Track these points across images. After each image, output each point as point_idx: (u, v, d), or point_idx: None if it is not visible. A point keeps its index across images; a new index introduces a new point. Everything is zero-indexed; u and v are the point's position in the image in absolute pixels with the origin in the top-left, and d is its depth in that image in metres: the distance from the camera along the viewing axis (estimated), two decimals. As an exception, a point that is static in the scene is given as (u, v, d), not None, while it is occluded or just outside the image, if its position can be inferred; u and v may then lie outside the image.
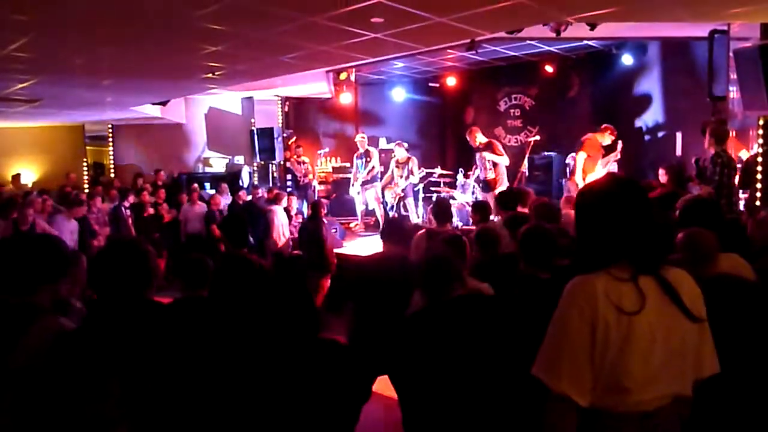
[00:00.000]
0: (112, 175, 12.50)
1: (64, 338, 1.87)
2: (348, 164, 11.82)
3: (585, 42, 8.94)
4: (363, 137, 10.36)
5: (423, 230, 4.89)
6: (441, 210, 4.98)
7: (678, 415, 1.68)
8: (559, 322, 1.64)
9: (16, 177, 11.52)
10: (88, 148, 13.13)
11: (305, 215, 10.03)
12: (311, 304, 2.10)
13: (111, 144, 12.76)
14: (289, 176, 12.24)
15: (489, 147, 8.63)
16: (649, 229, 1.67)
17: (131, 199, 9.74)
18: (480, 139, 8.73)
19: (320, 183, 12.03)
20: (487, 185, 8.63)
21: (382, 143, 11.72)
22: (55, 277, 2.07)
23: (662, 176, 7.20)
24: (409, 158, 9.71)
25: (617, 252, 1.65)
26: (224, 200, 10.50)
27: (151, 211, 9.72)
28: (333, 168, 12.20)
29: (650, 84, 9.31)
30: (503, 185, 8.34)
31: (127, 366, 1.79)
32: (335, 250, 7.80)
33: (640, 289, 1.60)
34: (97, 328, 1.86)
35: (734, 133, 6.96)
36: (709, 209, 2.95)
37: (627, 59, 9.40)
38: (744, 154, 7.05)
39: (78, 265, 2.56)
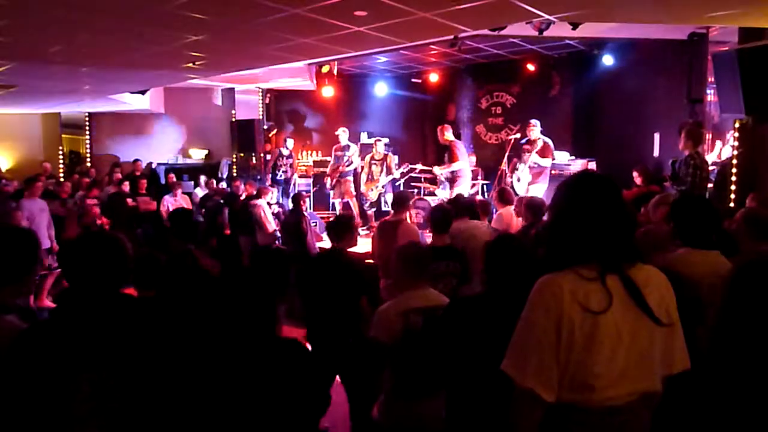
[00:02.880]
0: (89, 164, 12.30)
1: (31, 332, 1.81)
2: (329, 158, 11.79)
3: (567, 42, 9.01)
4: (344, 131, 10.34)
5: (381, 220, 5.05)
6: (398, 200, 5.34)
7: (648, 410, 1.70)
8: (526, 320, 1.67)
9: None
10: (63, 136, 12.88)
11: (286, 208, 9.97)
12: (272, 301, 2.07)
13: (88, 132, 12.55)
14: (267, 169, 12.15)
15: (448, 149, 8.70)
16: (617, 228, 1.68)
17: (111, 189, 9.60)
18: (448, 136, 8.77)
19: (301, 177, 11.97)
20: (450, 182, 8.80)
21: (364, 138, 11.69)
22: (21, 275, 1.99)
23: (636, 177, 7.30)
24: (386, 155, 9.71)
25: (586, 251, 1.67)
26: (202, 192, 10.41)
27: (131, 202, 9.56)
28: (314, 162, 12.14)
29: (630, 85, 9.42)
30: (461, 186, 8.52)
31: (97, 362, 1.74)
32: (318, 244, 7.77)
33: (607, 289, 1.62)
34: (67, 322, 1.80)
35: (710, 135, 7.08)
36: (701, 206, 2.93)
37: (608, 60, 9.51)
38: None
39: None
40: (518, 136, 9.17)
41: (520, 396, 1.65)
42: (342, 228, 4.10)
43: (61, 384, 1.71)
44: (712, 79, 6.62)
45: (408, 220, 5.61)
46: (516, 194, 7.43)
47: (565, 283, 1.63)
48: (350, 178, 10.07)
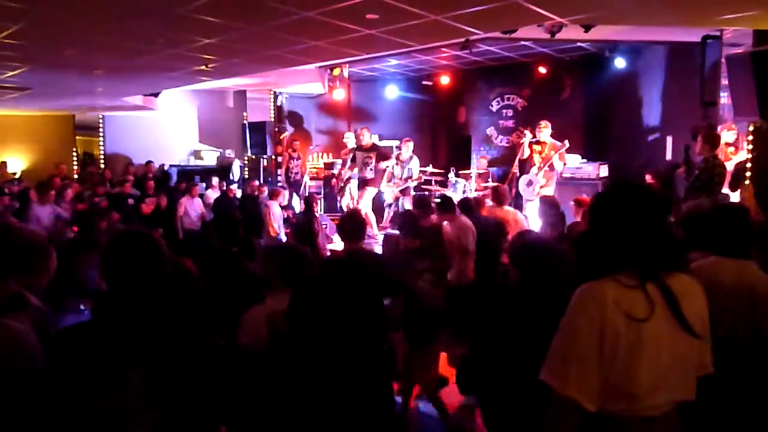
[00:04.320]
0: (102, 166, 12.40)
1: (77, 331, 1.81)
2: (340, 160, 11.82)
3: (579, 44, 8.98)
4: (351, 135, 10.34)
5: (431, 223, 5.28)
6: (423, 204, 5.56)
7: (679, 419, 1.70)
8: (568, 328, 1.66)
9: (3, 165, 11.43)
10: (77, 137, 13.01)
11: (295, 210, 10.00)
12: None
13: (101, 134, 12.66)
14: (279, 171, 12.20)
15: (375, 149, 9.05)
16: (657, 236, 1.69)
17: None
18: (367, 140, 9.14)
19: (311, 179, 12.01)
20: (365, 184, 9.07)
21: (375, 140, 11.68)
22: (6, 272, 1.96)
23: (649, 180, 7.25)
24: (411, 157, 9.70)
25: (625, 258, 1.67)
26: (214, 194, 10.46)
27: (131, 202, 9.59)
28: (324, 164, 12.17)
29: (642, 88, 9.37)
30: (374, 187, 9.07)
31: (148, 356, 1.75)
32: (330, 246, 7.82)
33: (649, 296, 1.62)
34: (112, 318, 1.80)
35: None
36: (735, 215, 2.91)
37: (620, 62, 9.46)
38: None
39: (47, 257, 2.43)
40: (530, 138, 9.16)
41: (560, 405, 1.63)
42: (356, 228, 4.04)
43: (112, 380, 1.71)
44: (726, 82, 6.56)
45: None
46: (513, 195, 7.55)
47: (608, 291, 1.62)
48: (354, 182, 10.08)
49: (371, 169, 9.01)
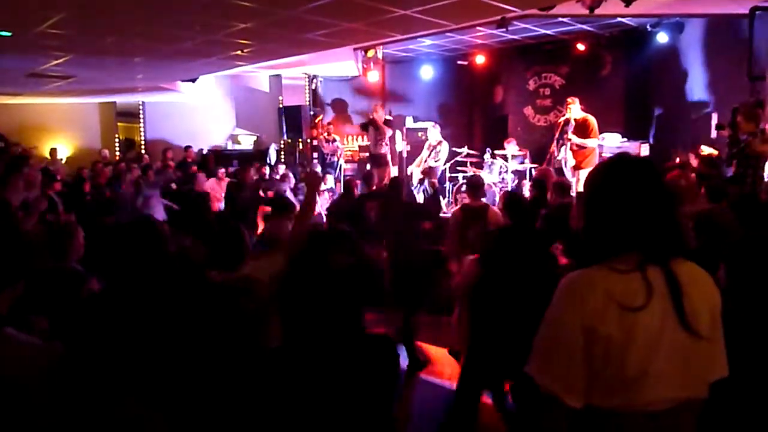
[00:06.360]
0: (143, 151, 12.68)
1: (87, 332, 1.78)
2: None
3: (619, 19, 8.72)
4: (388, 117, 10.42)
5: (458, 206, 5.24)
6: (475, 185, 5.62)
7: (692, 413, 1.57)
8: (552, 321, 1.55)
9: (53, 151, 11.83)
10: (119, 124, 13.32)
11: (334, 192, 10.06)
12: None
13: (142, 120, 12.94)
14: (315, 154, 12.27)
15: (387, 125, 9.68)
16: (660, 213, 1.54)
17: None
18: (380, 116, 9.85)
19: (347, 161, 12.04)
20: (377, 162, 9.55)
21: (409, 122, 11.65)
22: (17, 278, 1.80)
23: (693, 159, 7.03)
24: (439, 142, 9.65)
25: (625, 240, 1.53)
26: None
27: (174, 187, 9.79)
28: (359, 147, 12.18)
29: (686, 63, 9.06)
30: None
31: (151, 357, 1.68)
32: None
33: (648, 281, 1.48)
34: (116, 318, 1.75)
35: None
36: None
37: (662, 37, 9.15)
38: None
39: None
40: (568, 117, 8.98)
41: (546, 401, 1.54)
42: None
43: (113, 389, 1.65)
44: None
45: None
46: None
47: (598, 281, 1.50)
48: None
49: (385, 144, 9.33)
